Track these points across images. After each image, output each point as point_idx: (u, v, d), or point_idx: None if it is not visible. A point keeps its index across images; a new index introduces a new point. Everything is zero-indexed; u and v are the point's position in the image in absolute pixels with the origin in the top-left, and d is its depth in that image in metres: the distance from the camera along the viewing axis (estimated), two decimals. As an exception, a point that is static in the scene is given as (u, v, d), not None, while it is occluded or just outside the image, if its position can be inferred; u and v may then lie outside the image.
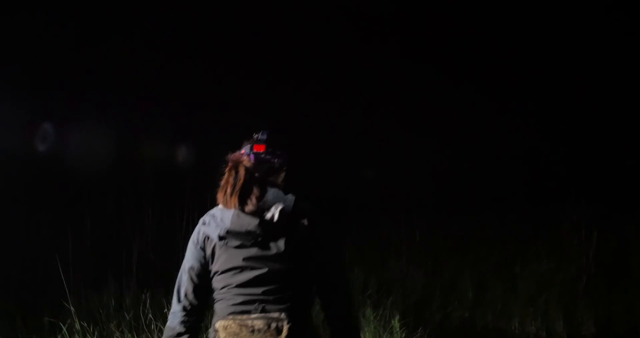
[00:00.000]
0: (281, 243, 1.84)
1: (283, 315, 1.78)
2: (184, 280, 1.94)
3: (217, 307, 1.91)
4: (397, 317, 3.98)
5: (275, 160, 1.99)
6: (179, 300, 1.94)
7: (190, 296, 1.92)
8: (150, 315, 3.55)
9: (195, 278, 1.93)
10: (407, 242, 7.56)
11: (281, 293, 1.82)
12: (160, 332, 3.79)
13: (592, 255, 5.77)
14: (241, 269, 1.85)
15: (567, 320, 5.24)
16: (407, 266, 6.92)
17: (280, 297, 1.82)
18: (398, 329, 3.91)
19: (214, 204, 2.00)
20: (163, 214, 6.77)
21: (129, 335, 3.56)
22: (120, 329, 3.64)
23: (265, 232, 1.82)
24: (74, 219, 5.96)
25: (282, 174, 2.01)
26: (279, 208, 1.84)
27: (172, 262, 6.48)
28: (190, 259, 1.95)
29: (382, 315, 4.18)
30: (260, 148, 1.98)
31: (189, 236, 1.96)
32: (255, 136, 2.04)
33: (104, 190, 6.48)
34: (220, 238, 1.87)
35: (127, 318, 3.70)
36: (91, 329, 3.46)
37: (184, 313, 1.92)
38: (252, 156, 1.96)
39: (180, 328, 1.91)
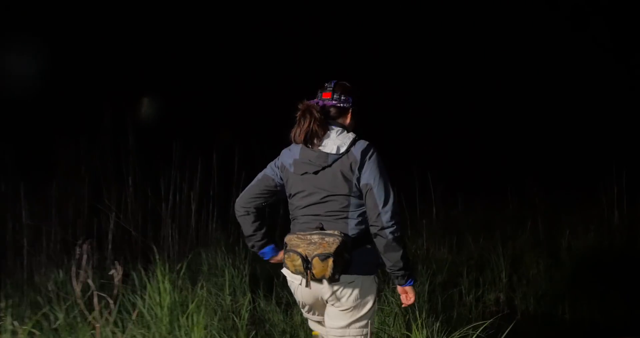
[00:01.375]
0: (338, 172, 2.18)
1: (337, 232, 2.10)
2: (250, 185, 2.38)
3: (291, 226, 2.32)
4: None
5: (340, 105, 2.28)
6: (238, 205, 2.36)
7: (247, 200, 2.34)
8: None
9: (258, 185, 2.34)
10: (425, 219, 6.70)
11: (338, 214, 2.17)
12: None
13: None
14: (306, 193, 2.22)
15: (631, 303, 4.37)
16: (428, 244, 6.06)
17: (338, 218, 2.17)
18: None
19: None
20: (147, 184, 5.90)
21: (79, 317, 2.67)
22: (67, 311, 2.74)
23: (327, 162, 2.18)
24: (41, 183, 5.07)
25: (348, 116, 2.31)
26: (338, 143, 2.19)
27: (156, 238, 5.63)
28: (264, 171, 2.36)
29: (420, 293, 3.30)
30: (327, 95, 2.28)
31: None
32: (325, 85, 2.31)
33: (77, 153, 5.57)
34: (290, 165, 2.26)
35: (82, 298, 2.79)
36: (6, 305, 2.56)
37: (246, 219, 2.34)
38: (320, 103, 2.27)
39: (248, 231, 2.36)
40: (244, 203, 2.32)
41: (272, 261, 2.43)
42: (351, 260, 2.10)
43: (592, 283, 4.58)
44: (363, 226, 2.18)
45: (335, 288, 2.14)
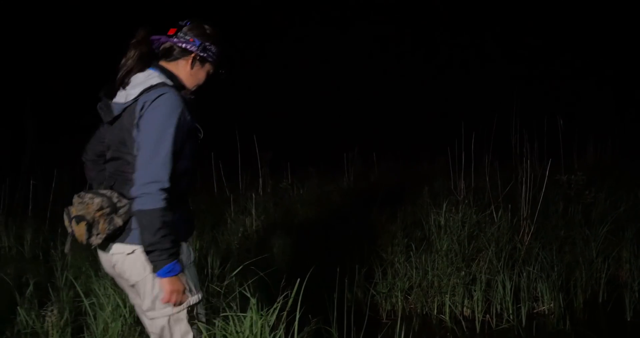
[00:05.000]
0: (124, 126, 1.80)
1: (110, 192, 1.78)
2: None
3: None
4: None
5: (181, 45, 1.88)
6: None
7: (87, 147, 2.02)
8: None
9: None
10: (251, 191, 5.31)
11: (126, 176, 1.81)
12: None
13: None
14: (106, 146, 1.90)
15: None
16: (258, 224, 4.67)
17: (126, 179, 1.81)
18: None
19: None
20: None
21: None
22: None
23: (113, 113, 1.82)
24: None
25: (187, 63, 1.90)
26: (131, 90, 1.80)
27: None
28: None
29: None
30: (172, 31, 1.90)
31: None
32: (180, 22, 1.94)
33: None
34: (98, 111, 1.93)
35: None
36: None
37: (85, 167, 2.04)
38: (161, 38, 1.90)
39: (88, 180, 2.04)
40: (85, 150, 2.01)
41: None
42: (126, 227, 1.77)
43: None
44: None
45: (115, 258, 1.80)
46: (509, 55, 9.84)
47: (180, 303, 1.77)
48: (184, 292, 1.76)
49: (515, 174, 5.67)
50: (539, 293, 3.53)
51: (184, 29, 1.87)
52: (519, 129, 7.14)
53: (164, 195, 1.68)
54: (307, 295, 3.43)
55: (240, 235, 4.32)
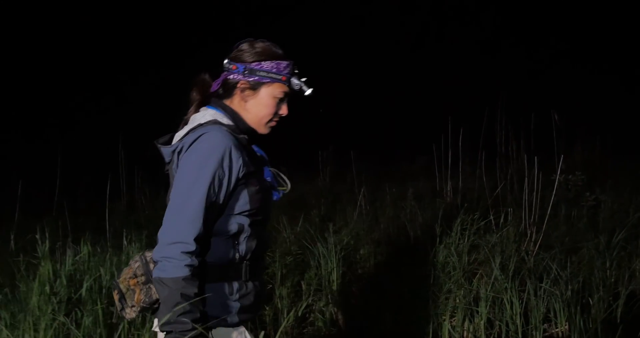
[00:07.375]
0: (172, 171, 1.55)
1: (150, 253, 1.50)
2: None
3: None
4: None
5: (227, 77, 1.55)
6: None
7: None
8: None
9: None
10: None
11: None
12: None
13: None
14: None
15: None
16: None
17: None
18: None
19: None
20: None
21: None
22: None
23: (167, 159, 1.57)
24: None
25: (234, 95, 1.55)
26: (183, 131, 1.55)
27: None
28: None
29: None
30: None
31: None
32: None
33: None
34: None
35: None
36: None
37: None
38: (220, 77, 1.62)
39: None
40: None
41: None
42: None
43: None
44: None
45: (158, 336, 1.50)
46: (495, 48, 9.47)
47: None
48: None
49: (505, 174, 5.18)
50: (551, 313, 3.00)
51: (228, 57, 1.56)
52: (505, 126, 6.67)
53: (187, 261, 1.37)
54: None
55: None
